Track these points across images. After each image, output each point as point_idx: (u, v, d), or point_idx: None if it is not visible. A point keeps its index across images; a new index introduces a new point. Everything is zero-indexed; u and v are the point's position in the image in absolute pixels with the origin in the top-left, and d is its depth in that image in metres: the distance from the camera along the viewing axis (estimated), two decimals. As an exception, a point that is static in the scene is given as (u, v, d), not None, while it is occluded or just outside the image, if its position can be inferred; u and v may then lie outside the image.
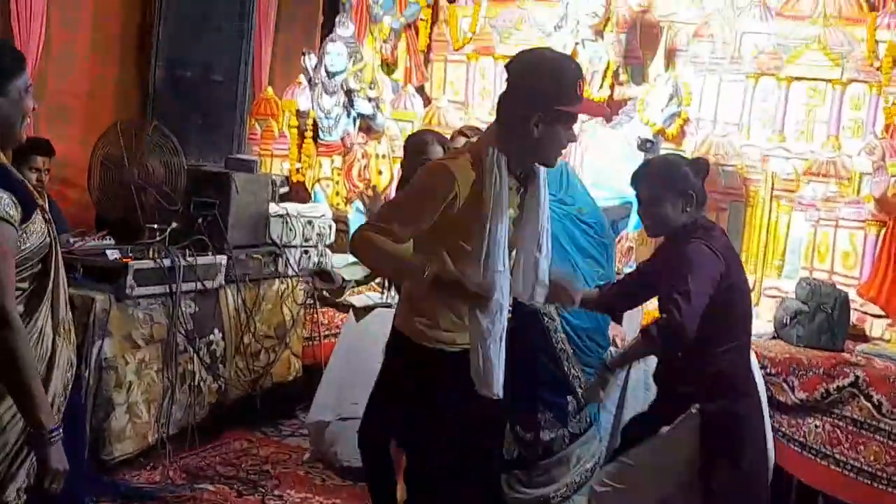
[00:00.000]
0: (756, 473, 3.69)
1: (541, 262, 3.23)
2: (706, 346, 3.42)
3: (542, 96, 2.90)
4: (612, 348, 4.76)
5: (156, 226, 5.16)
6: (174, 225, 5.17)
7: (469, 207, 2.96)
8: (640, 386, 4.83)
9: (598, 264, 4.53)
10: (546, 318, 4.46)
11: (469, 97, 7.12)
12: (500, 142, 2.96)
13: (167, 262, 4.90)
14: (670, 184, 3.50)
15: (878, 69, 6.08)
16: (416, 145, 4.50)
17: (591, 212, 4.59)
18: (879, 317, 5.72)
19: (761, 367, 4.99)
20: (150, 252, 4.91)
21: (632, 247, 5.69)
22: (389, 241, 2.96)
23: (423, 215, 2.99)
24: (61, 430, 2.51)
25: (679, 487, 3.54)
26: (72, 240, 4.87)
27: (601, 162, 5.76)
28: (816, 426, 4.92)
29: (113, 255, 4.78)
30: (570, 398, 4.37)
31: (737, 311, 3.52)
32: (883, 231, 5.69)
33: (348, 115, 6.83)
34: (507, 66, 3.08)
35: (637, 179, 3.64)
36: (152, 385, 4.85)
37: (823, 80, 6.20)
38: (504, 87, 3.07)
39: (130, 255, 4.83)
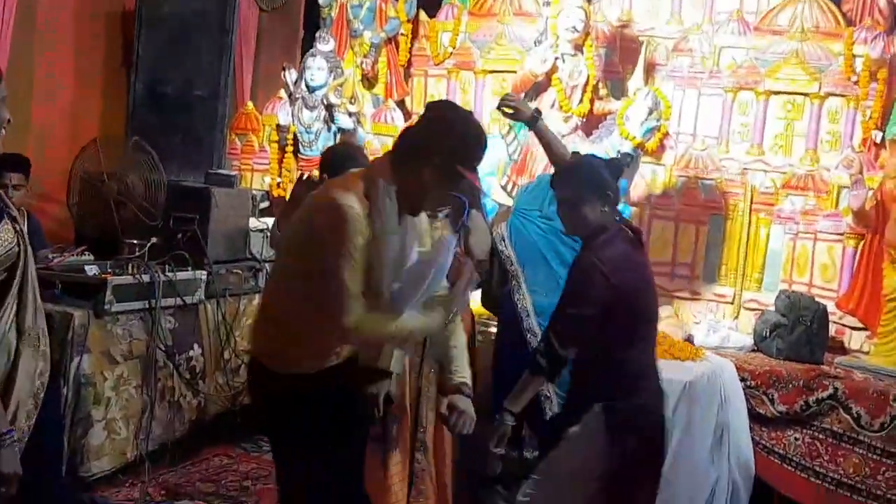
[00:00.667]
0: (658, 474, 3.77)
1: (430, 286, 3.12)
2: (606, 346, 3.50)
3: (448, 149, 2.84)
4: None
5: (135, 241, 5.14)
6: (154, 240, 5.16)
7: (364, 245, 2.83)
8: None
9: None
10: (530, 335, 4.47)
11: (450, 112, 7.13)
12: (392, 175, 2.86)
13: (146, 278, 4.87)
14: (590, 185, 3.57)
15: (855, 83, 6.12)
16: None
17: None
18: (858, 329, 5.76)
19: (741, 380, 5.02)
20: (130, 268, 4.89)
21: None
22: (389, 317, 2.85)
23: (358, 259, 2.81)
24: (13, 434, 2.52)
25: (598, 488, 3.58)
26: (51, 255, 4.85)
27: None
28: (796, 438, 4.94)
29: (92, 270, 4.76)
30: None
31: (636, 311, 3.56)
32: (861, 244, 5.74)
33: (329, 129, 6.82)
34: (427, 106, 3.08)
35: (558, 181, 3.71)
36: (131, 401, 4.82)
37: (801, 94, 6.25)
38: (416, 123, 3.01)
39: (109, 270, 4.81)
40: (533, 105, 6.15)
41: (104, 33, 6.61)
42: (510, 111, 4.28)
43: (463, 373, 3.13)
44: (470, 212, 4.10)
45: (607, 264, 3.42)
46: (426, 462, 4.17)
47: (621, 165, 3.83)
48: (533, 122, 4.37)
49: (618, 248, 3.52)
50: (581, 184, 3.58)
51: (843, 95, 6.19)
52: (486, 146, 2.97)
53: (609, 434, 3.49)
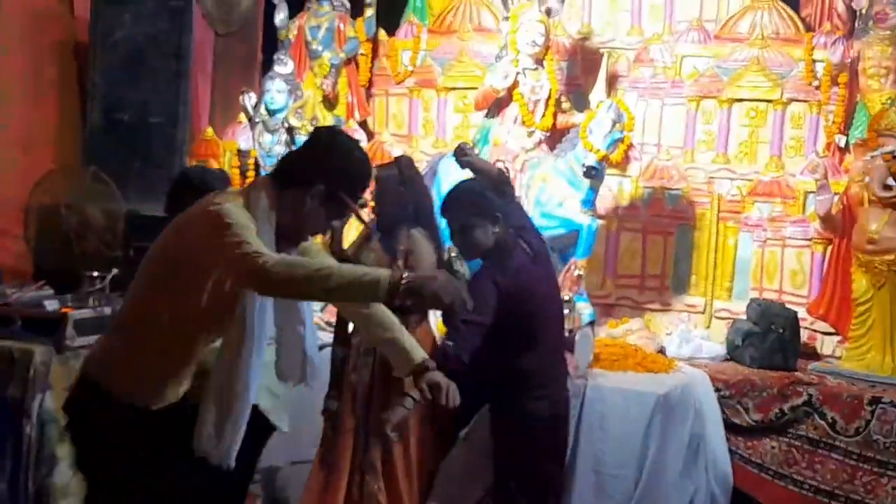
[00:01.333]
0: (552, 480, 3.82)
1: (307, 338, 3.04)
2: (497, 352, 3.61)
3: (335, 175, 2.74)
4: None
5: (96, 273, 5.02)
6: (115, 272, 5.04)
7: None
8: (593, 414, 4.79)
9: None
10: None
11: (412, 130, 7.09)
12: (272, 198, 2.73)
13: (108, 311, 4.77)
14: (474, 210, 3.71)
15: (816, 88, 6.16)
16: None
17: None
18: (830, 334, 5.77)
19: (715, 390, 4.99)
20: (91, 301, 4.79)
21: (581, 274, 5.66)
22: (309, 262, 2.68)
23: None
24: None
25: (487, 489, 3.64)
26: (9, 291, 4.75)
27: (547, 192, 5.74)
28: (773, 447, 4.92)
29: (52, 305, 4.66)
30: None
31: (529, 319, 3.68)
32: (829, 249, 5.74)
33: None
34: (316, 130, 3.03)
35: (444, 211, 3.83)
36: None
37: (764, 100, 6.29)
38: (300, 147, 2.95)
39: (70, 304, 4.71)
40: (496, 120, 6.16)
41: (56, 62, 6.49)
42: (466, 159, 4.26)
43: (419, 350, 3.01)
44: (406, 233, 4.09)
45: (500, 277, 3.59)
46: (375, 484, 4.08)
47: (505, 182, 3.97)
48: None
49: (512, 262, 3.67)
50: (466, 211, 3.72)
51: (805, 101, 6.22)
52: (370, 175, 2.92)
53: (494, 436, 3.67)
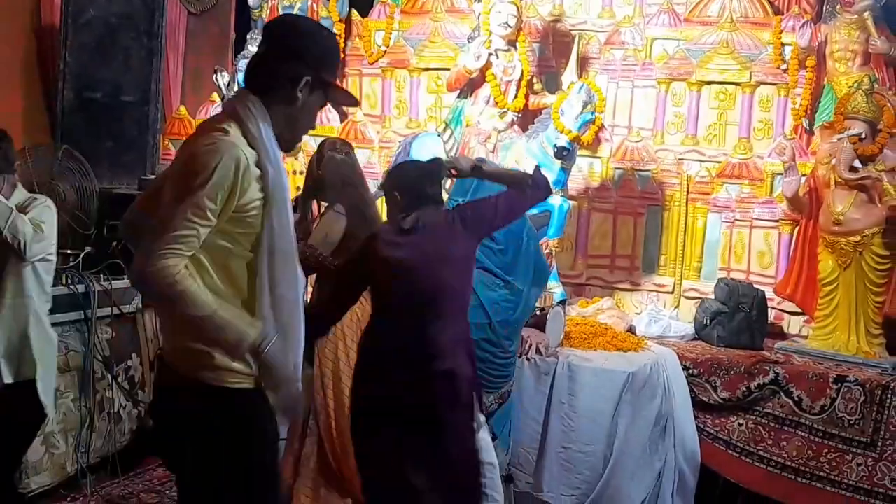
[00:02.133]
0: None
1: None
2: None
3: (313, 60, 2.57)
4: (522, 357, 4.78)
5: (69, 251, 5.03)
6: (88, 249, 5.05)
7: (248, 200, 2.46)
8: (563, 391, 4.85)
9: (505, 285, 4.48)
10: None
11: (385, 110, 7.10)
12: (262, 109, 2.53)
13: (81, 288, 4.78)
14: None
15: (784, 71, 6.23)
16: None
17: None
18: (796, 314, 5.86)
19: (684, 369, 5.05)
20: (64, 278, 4.79)
21: (551, 253, 5.71)
22: (206, 291, 2.42)
23: (214, 206, 2.39)
24: None
25: None
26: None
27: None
28: (740, 424, 4.99)
29: (24, 282, 4.64)
30: None
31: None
32: (796, 230, 5.82)
33: (263, 132, 6.74)
34: (269, 26, 2.77)
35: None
36: (69, 414, 4.72)
37: (733, 83, 6.35)
38: (262, 49, 2.65)
39: (43, 282, 4.70)
40: (468, 101, 6.19)
41: (20, 43, 6.43)
42: (455, 173, 4.30)
43: None
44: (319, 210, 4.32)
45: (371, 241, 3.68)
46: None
47: (437, 169, 3.92)
48: (479, 171, 4.36)
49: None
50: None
51: (773, 84, 6.29)
52: (338, 48, 2.81)
53: None
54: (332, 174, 4.53)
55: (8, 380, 3.96)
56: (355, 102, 2.65)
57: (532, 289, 4.53)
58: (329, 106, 7.01)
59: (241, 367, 2.50)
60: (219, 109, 6.77)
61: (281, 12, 7.15)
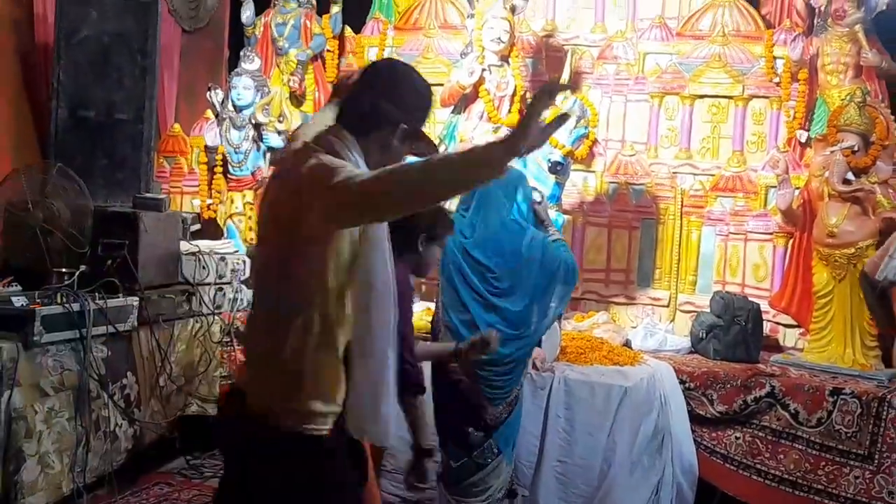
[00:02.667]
0: None
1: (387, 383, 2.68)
2: None
3: (411, 109, 2.60)
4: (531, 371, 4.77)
5: (63, 270, 5.00)
6: (82, 268, 5.02)
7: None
8: (560, 405, 4.85)
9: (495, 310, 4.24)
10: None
11: (379, 127, 7.10)
12: (357, 146, 2.55)
13: (76, 307, 4.74)
14: None
15: (777, 84, 6.25)
16: None
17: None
18: (792, 326, 5.86)
19: (680, 382, 5.04)
20: (59, 297, 4.75)
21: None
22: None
23: None
24: None
25: None
26: (-24, 288, 4.72)
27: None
28: (737, 437, 4.98)
29: (19, 301, 4.62)
30: (471, 429, 4.22)
31: None
32: (790, 242, 5.83)
33: (258, 149, 6.75)
34: (373, 69, 2.80)
35: None
36: (64, 434, 4.69)
37: (725, 96, 6.38)
38: (363, 90, 2.63)
39: (38, 300, 4.67)
40: (462, 116, 6.21)
41: (13, 61, 6.40)
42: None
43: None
44: None
45: None
46: None
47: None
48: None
49: None
50: None
51: (766, 97, 6.31)
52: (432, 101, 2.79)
53: None
54: None
55: None
56: (435, 149, 2.66)
57: (541, 299, 4.35)
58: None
59: (323, 407, 2.49)
60: (213, 127, 6.82)
61: (274, 29, 7.18)
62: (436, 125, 6.64)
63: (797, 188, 5.66)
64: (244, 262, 6.16)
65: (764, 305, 5.73)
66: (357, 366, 2.51)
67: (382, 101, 2.57)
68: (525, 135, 2.24)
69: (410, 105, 2.61)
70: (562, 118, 2.43)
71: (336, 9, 7.20)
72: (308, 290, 2.46)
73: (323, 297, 2.47)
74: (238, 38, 7.52)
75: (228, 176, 6.84)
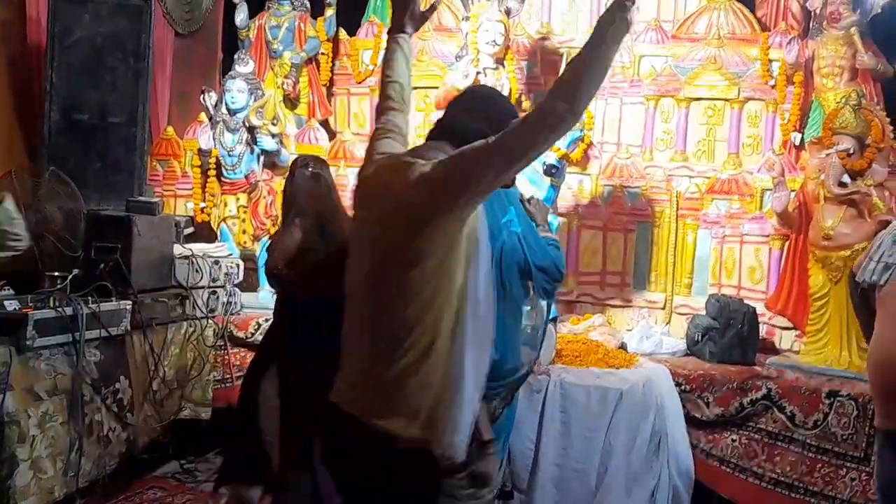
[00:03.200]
0: None
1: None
2: None
3: (500, 129, 2.68)
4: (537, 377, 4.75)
5: (56, 273, 4.98)
6: (75, 272, 5.00)
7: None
8: (555, 408, 4.83)
9: None
10: None
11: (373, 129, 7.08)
12: None
13: (69, 311, 4.71)
14: None
15: (772, 87, 6.25)
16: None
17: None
18: (788, 329, 5.85)
19: (676, 385, 5.03)
20: (51, 301, 4.73)
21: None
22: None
23: None
24: None
25: None
26: (-32, 292, 4.69)
27: (508, 189, 5.77)
28: (733, 440, 4.97)
29: (11, 305, 4.59)
30: None
31: None
32: (786, 245, 5.82)
33: (252, 151, 6.72)
34: (476, 92, 3.04)
35: None
36: (57, 438, 4.66)
37: (721, 99, 6.37)
38: (465, 109, 2.83)
39: (30, 304, 4.65)
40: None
41: (5, 64, 6.37)
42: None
43: None
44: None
45: None
46: None
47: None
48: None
49: None
50: None
51: (761, 99, 6.31)
52: None
53: None
54: (299, 190, 4.63)
55: None
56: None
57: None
58: (317, 124, 7.04)
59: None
60: (206, 130, 6.80)
61: (268, 33, 7.17)
62: (429, 127, 6.62)
63: (793, 191, 5.65)
64: (238, 265, 6.15)
65: (760, 308, 5.72)
66: (451, 380, 2.56)
67: (478, 118, 2.73)
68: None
69: (499, 124, 2.62)
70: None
71: (330, 11, 7.19)
72: (421, 308, 2.50)
73: (434, 315, 2.50)
74: (232, 41, 7.50)
75: (222, 179, 6.82)
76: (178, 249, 5.71)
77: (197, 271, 5.76)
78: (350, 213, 4.68)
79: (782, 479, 4.83)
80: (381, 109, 2.99)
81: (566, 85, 2.41)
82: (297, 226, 4.58)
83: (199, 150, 6.91)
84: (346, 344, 2.70)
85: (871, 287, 3.63)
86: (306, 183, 4.70)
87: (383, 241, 2.56)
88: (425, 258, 2.47)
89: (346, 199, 6.73)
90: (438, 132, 2.80)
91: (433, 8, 3.29)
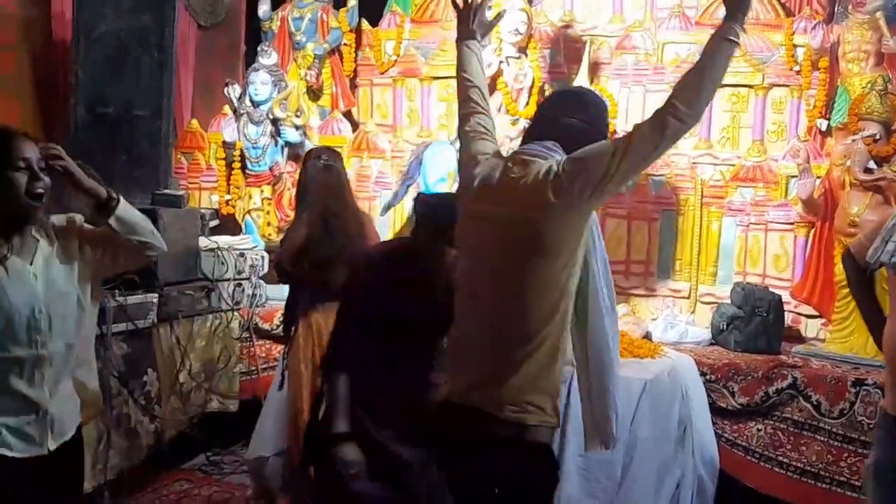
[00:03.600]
0: None
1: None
2: None
3: (605, 127, 2.94)
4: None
5: (83, 267, 5.02)
6: (102, 265, 5.05)
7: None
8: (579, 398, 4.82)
9: None
10: None
11: (397, 120, 7.10)
12: None
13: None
14: None
15: (797, 73, 6.19)
16: None
17: None
18: (813, 317, 5.82)
19: (701, 374, 5.02)
20: (78, 294, 4.78)
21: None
22: None
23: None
24: None
25: None
26: None
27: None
28: (759, 429, 4.95)
29: (39, 299, 4.64)
30: None
31: None
32: (812, 232, 5.78)
33: (276, 143, 6.76)
34: (587, 96, 3.03)
35: None
36: (86, 431, 4.70)
37: (745, 85, 6.32)
38: (580, 115, 2.89)
39: (57, 298, 4.70)
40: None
41: (32, 59, 6.41)
42: None
43: None
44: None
45: None
46: None
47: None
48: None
49: None
50: None
51: (786, 85, 6.26)
52: None
53: None
54: (310, 182, 4.76)
55: None
56: None
57: None
58: (340, 115, 7.06)
59: (551, 418, 2.74)
60: (230, 122, 6.83)
61: (291, 24, 7.18)
62: (453, 118, 6.62)
63: (818, 177, 5.62)
64: (262, 257, 6.18)
65: (785, 296, 5.68)
66: (593, 376, 2.84)
67: (592, 121, 2.86)
68: None
69: (603, 123, 2.91)
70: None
71: (353, 2, 7.18)
72: (557, 297, 2.64)
73: (564, 309, 2.67)
74: (254, 33, 7.52)
75: (246, 171, 6.85)
76: (203, 242, 5.74)
77: (222, 264, 5.79)
78: (352, 210, 4.76)
79: (808, 468, 4.80)
80: (467, 113, 3.04)
81: (686, 89, 2.56)
82: (304, 220, 4.65)
83: (224, 142, 6.94)
84: (461, 342, 2.83)
85: (880, 267, 3.60)
86: (317, 175, 4.77)
87: (515, 236, 2.66)
88: (560, 249, 2.61)
89: (369, 190, 6.79)
90: (541, 131, 2.85)
91: (500, 16, 3.62)
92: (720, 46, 2.61)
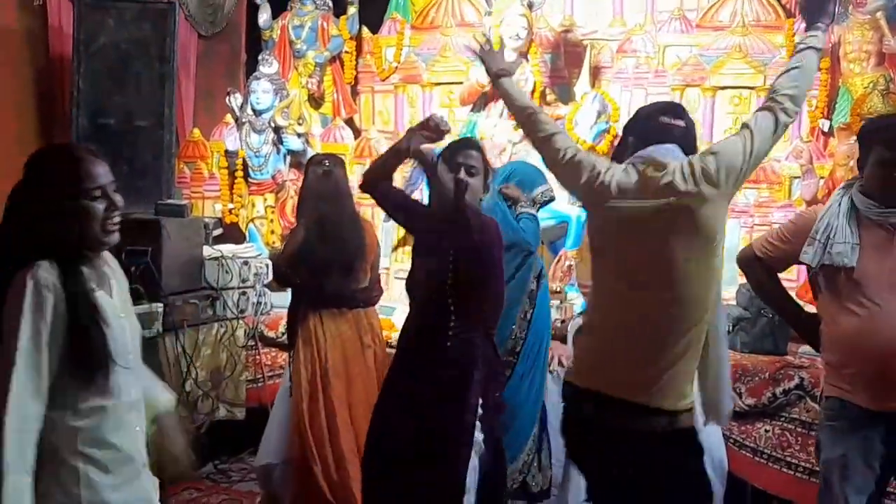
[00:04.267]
0: None
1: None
2: None
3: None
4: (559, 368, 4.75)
5: (87, 278, 5.02)
6: (106, 275, 5.04)
7: None
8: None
9: None
10: None
11: (399, 126, 7.10)
12: None
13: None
14: None
15: (799, 74, 6.16)
16: None
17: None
18: (819, 318, 5.76)
19: (708, 376, 4.99)
20: (85, 303, 4.77)
21: (571, 265, 5.68)
22: None
23: None
24: None
25: None
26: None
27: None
28: (766, 430, 4.94)
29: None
30: None
31: None
32: (816, 233, 5.75)
33: (278, 152, 6.76)
34: (675, 105, 3.42)
35: None
36: (93, 441, 4.71)
37: (747, 87, 6.32)
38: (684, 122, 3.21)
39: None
40: (482, 114, 6.19)
41: (32, 73, 6.41)
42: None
43: None
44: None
45: None
46: None
47: None
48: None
49: None
50: None
51: (787, 86, 6.24)
52: None
53: None
54: (309, 188, 4.84)
55: None
56: None
57: None
58: (342, 123, 7.06)
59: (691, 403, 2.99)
60: (233, 131, 6.83)
61: (291, 32, 7.20)
62: (455, 124, 6.62)
63: (821, 178, 5.61)
64: (267, 265, 6.17)
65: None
66: (718, 355, 3.10)
67: (689, 126, 3.23)
68: None
69: (691, 123, 3.29)
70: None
71: (353, 10, 7.20)
72: (711, 287, 2.98)
73: (719, 292, 3.06)
74: (255, 42, 7.54)
75: (249, 180, 6.86)
76: (207, 251, 5.74)
77: (227, 272, 5.78)
78: (350, 216, 4.79)
79: (816, 469, 4.77)
80: (547, 137, 3.23)
81: (786, 88, 2.97)
82: (301, 226, 4.69)
83: (226, 151, 6.95)
84: (608, 343, 3.06)
85: (820, 268, 3.69)
86: (316, 181, 4.82)
87: (672, 229, 2.90)
88: (714, 233, 2.95)
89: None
90: (657, 137, 3.11)
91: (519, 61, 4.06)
92: (806, 55, 3.01)
